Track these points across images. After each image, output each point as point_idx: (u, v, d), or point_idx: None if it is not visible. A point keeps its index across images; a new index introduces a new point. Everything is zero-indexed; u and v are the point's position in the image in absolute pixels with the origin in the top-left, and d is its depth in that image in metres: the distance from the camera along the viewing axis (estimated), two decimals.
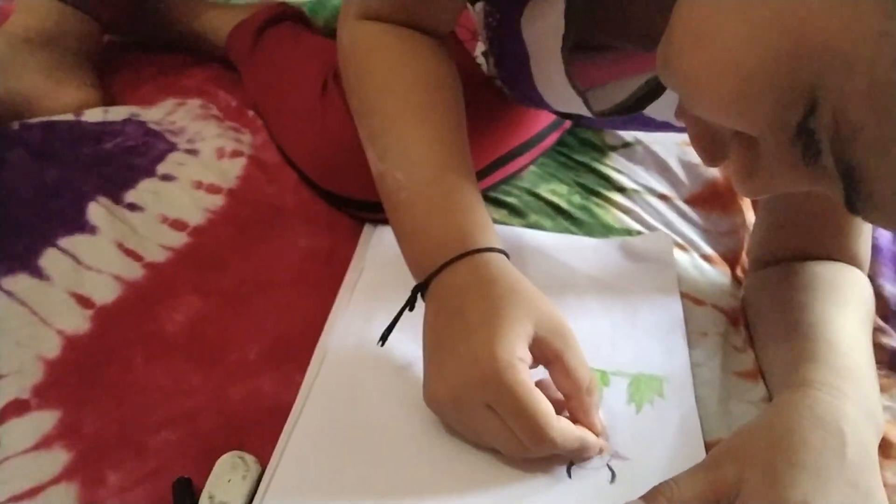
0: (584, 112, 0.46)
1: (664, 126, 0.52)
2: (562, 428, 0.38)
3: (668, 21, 0.30)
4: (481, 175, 0.58)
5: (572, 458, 0.40)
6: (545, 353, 0.39)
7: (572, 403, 0.40)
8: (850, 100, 0.24)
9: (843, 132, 0.24)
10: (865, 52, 0.23)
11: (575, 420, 0.40)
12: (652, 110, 0.48)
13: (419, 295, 0.43)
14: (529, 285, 0.41)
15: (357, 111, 0.48)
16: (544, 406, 0.37)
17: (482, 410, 0.38)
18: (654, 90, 0.42)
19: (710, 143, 0.32)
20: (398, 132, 0.45)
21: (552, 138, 0.65)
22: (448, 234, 0.42)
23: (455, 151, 0.45)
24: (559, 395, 0.41)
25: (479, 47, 0.59)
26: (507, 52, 0.51)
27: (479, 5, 0.52)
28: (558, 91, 0.49)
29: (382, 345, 0.44)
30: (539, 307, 0.40)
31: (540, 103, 0.54)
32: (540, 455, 0.39)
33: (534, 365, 0.40)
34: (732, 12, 0.26)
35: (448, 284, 0.41)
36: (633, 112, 0.43)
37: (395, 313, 0.44)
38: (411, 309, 0.43)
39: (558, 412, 0.38)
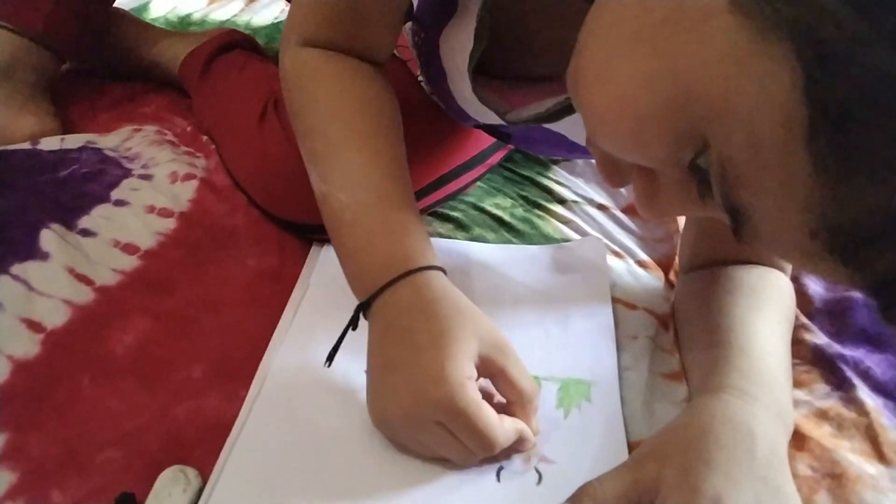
0: (502, 122, 0.49)
1: (586, 151, 0.54)
2: (505, 429, 0.40)
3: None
4: (424, 192, 0.61)
5: (510, 451, 0.42)
6: (489, 368, 0.42)
7: (514, 408, 0.43)
8: (732, 148, 0.26)
9: (727, 175, 0.27)
10: (745, 107, 0.25)
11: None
12: (575, 135, 0.50)
13: (362, 314, 0.45)
14: (470, 304, 0.43)
15: (301, 134, 0.50)
16: (493, 418, 0.40)
17: (434, 427, 0.40)
18: (570, 106, 0.44)
19: (613, 170, 0.35)
20: (342, 156, 0.47)
21: (496, 157, 0.67)
22: (389, 255, 0.44)
23: (396, 176, 0.47)
24: (500, 398, 0.43)
25: None
26: (432, 69, 0.53)
27: (408, 25, 0.55)
28: (473, 106, 0.51)
29: (329, 365, 0.45)
30: (482, 325, 0.42)
31: (466, 118, 0.56)
32: (481, 457, 0.41)
33: (478, 377, 0.42)
34: (630, 57, 0.28)
35: (392, 304, 0.43)
36: (547, 122, 0.45)
37: (337, 331, 0.46)
38: (354, 328, 0.45)
39: (498, 412, 0.41)
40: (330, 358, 0.46)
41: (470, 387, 0.39)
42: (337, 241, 0.47)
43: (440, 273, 0.44)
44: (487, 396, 0.42)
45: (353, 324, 0.45)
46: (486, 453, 0.41)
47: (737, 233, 0.28)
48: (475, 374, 0.41)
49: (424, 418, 0.40)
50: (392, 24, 0.50)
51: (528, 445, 0.43)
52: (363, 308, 0.44)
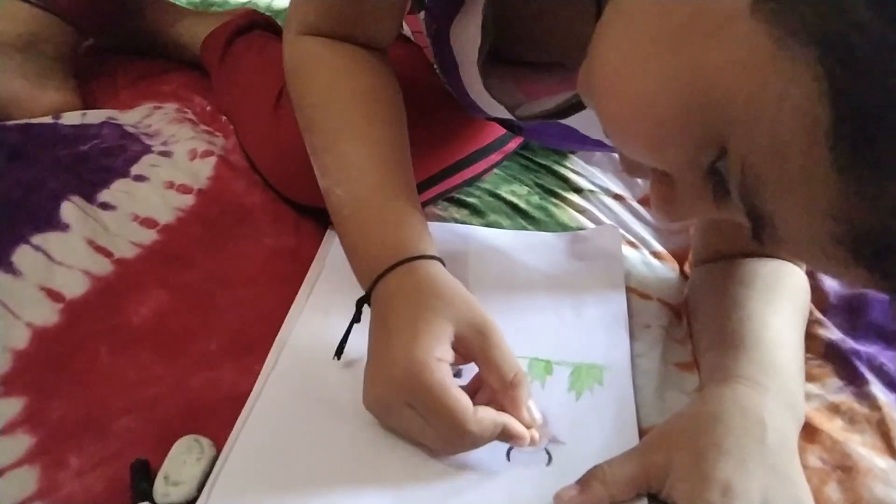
0: (511, 118, 0.49)
1: (598, 144, 0.54)
2: (479, 419, 0.38)
3: (587, 45, 0.32)
4: (440, 178, 0.61)
5: (510, 444, 0.41)
6: (468, 349, 0.40)
7: (499, 396, 0.41)
8: (754, 153, 0.25)
9: (748, 180, 0.26)
10: (767, 112, 0.24)
11: (505, 412, 0.40)
12: (586, 128, 0.50)
13: (366, 306, 0.45)
14: (453, 287, 0.42)
15: (301, 127, 0.50)
16: (461, 402, 0.38)
17: (405, 410, 0.39)
18: (581, 102, 0.44)
19: (632, 164, 0.34)
20: (337, 149, 0.47)
21: (513, 144, 0.67)
22: (383, 247, 0.43)
23: (392, 164, 0.46)
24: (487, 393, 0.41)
25: None
26: (444, 60, 0.53)
27: (422, 14, 0.55)
28: (484, 98, 0.51)
29: (338, 359, 0.45)
30: (459, 307, 0.41)
31: (478, 110, 0.56)
32: (465, 450, 0.40)
33: (461, 362, 0.41)
34: (648, 61, 0.28)
35: (381, 295, 0.43)
36: (557, 118, 0.45)
37: (351, 310, 0.46)
38: (358, 321, 0.45)
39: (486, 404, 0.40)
40: (338, 352, 0.45)
41: (436, 367, 0.38)
42: (340, 235, 0.47)
43: (432, 261, 0.43)
44: (472, 390, 0.41)
45: (356, 318, 0.45)
46: (459, 441, 0.38)
47: (757, 237, 0.28)
48: (449, 356, 0.39)
49: (394, 400, 0.39)
50: (393, 11, 0.49)
51: (523, 442, 0.40)
52: (365, 301, 0.44)
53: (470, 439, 0.39)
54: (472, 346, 0.40)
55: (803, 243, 0.27)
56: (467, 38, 0.48)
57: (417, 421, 0.39)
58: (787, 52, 0.23)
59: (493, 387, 0.41)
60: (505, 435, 0.40)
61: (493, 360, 0.40)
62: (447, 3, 0.48)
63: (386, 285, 0.43)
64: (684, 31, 0.26)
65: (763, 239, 0.28)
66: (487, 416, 0.39)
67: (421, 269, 0.43)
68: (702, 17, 0.26)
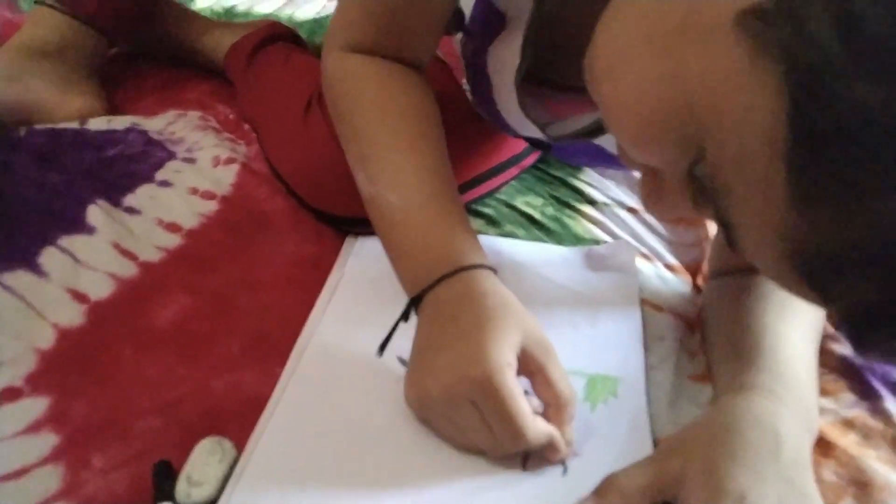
0: (543, 137, 0.50)
1: (619, 162, 0.55)
2: (536, 427, 0.40)
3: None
4: (459, 191, 0.62)
5: (539, 453, 0.42)
6: (529, 364, 0.42)
7: (550, 411, 0.42)
8: (723, 160, 0.26)
9: (717, 188, 0.27)
10: (735, 124, 0.25)
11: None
12: (614, 148, 0.51)
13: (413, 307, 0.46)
14: (517, 301, 0.44)
15: (346, 137, 0.51)
16: (525, 409, 0.40)
17: (468, 407, 0.40)
18: None
19: (629, 156, 0.35)
20: (390, 159, 0.48)
21: (530, 159, 0.68)
22: (443, 253, 0.45)
23: (443, 177, 0.48)
24: (537, 405, 0.43)
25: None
26: (478, 81, 0.55)
27: (458, 36, 0.56)
28: (516, 118, 0.52)
29: (381, 355, 0.47)
30: (527, 322, 0.43)
31: (508, 129, 0.57)
32: (511, 451, 0.41)
33: (518, 373, 0.42)
34: (640, 58, 0.29)
35: (443, 296, 0.44)
36: (587, 138, 0.46)
37: (372, 317, 0.47)
38: (406, 320, 0.46)
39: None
40: (382, 348, 0.47)
41: (508, 372, 0.40)
42: (387, 239, 0.48)
43: (491, 272, 0.45)
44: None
45: (405, 316, 0.46)
46: (513, 444, 0.40)
47: (730, 243, 0.29)
48: (515, 363, 0.41)
49: (461, 395, 0.40)
50: (436, 31, 0.51)
51: (559, 456, 0.42)
52: (415, 302, 0.45)
53: (524, 443, 0.40)
54: (536, 360, 0.42)
55: (759, 255, 0.27)
56: (506, 58, 0.49)
57: (477, 419, 0.40)
58: (759, 68, 0.24)
59: (546, 401, 0.42)
60: (549, 449, 0.41)
61: (553, 378, 0.42)
62: (489, 25, 0.50)
63: (449, 288, 0.44)
64: (675, 34, 0.27)
65: (734, 246, 0.29)
66: (542, 425, 0.41)
67: (484, 278, 0.44)
68: (691, 23, 0.26)
